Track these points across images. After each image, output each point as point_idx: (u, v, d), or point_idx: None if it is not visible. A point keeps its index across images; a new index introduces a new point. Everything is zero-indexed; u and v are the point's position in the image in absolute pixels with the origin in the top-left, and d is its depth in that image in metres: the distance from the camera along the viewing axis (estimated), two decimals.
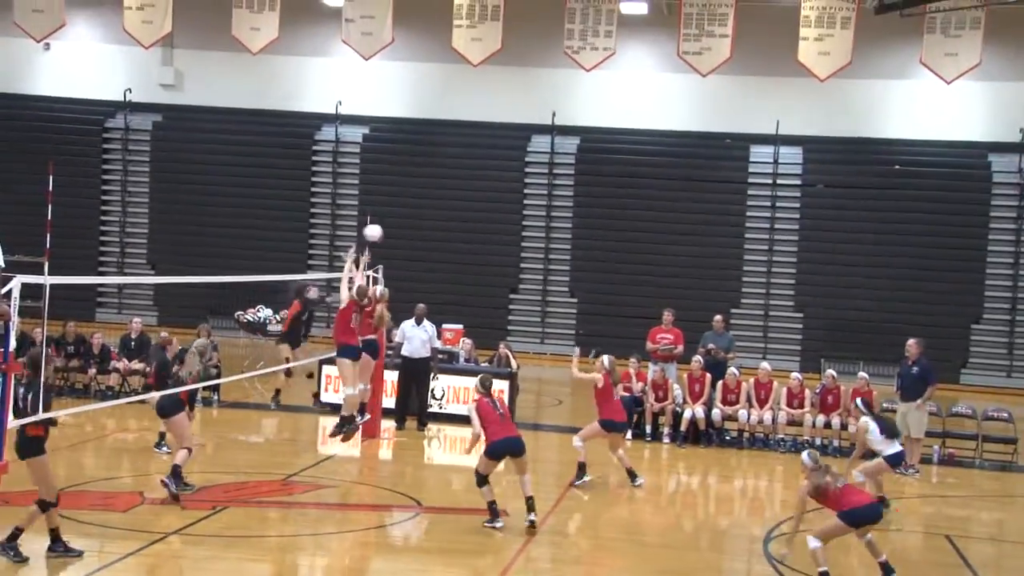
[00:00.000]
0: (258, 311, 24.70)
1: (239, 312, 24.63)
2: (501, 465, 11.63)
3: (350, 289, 13.73)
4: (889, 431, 12.47)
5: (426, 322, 17.54)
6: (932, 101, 28.65)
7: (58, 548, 9.67)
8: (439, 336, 18.64)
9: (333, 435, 13.60)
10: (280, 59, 29.92)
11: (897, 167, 29.54)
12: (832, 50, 24.74)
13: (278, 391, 18.00)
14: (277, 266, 25.64)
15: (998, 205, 28.98)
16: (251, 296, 24.96)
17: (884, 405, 17.28)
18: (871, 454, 12.42)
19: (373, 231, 15.75)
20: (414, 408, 17.24)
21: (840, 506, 9.77)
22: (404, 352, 17.09)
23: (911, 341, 16.47)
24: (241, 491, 12.63)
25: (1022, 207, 28.76)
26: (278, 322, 24.44)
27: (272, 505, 12.33)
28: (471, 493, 12.51)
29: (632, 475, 13.84)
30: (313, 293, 19.07)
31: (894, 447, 12.35)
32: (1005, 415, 17.98)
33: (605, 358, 14.08)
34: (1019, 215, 28.75)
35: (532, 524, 11.18)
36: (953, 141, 29.38)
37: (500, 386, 17.85)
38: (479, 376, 12.23)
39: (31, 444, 9.48)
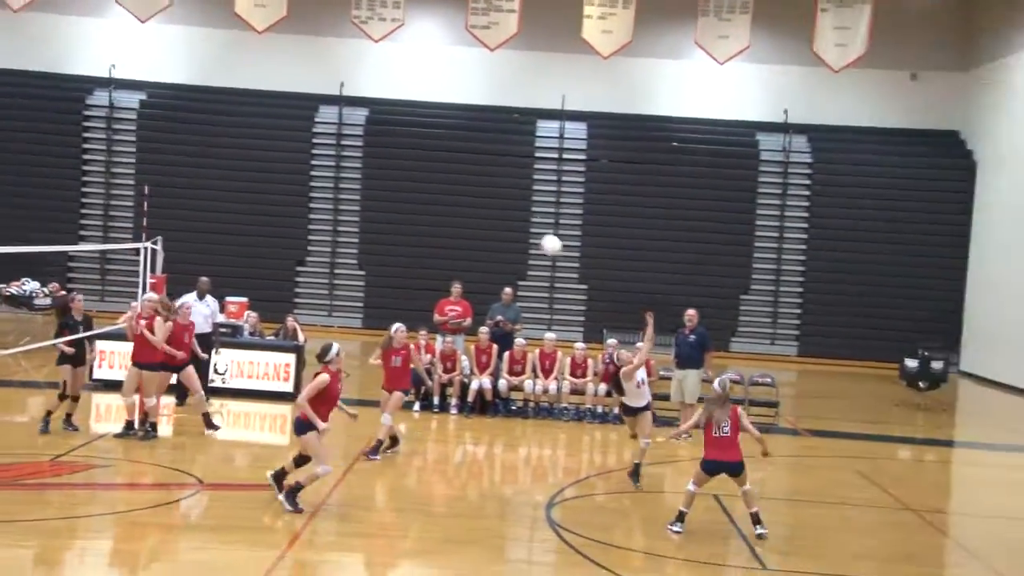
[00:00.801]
0: (23, 284, 23.58)
1: (2, 285, 23.43)
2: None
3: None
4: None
5: (208, 297, 17.12)
6: (706, 81, 30.01)
7: None
8: (222, 310, 18.18)
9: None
10: (49, 17, 28.65)
11: (674, 144, 30.64)
12: (615, 28, 25.44)
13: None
14: (45, 237, 24.36)
15: (765, 182, 30.50)
16: (15, 268, 23.75)
17: (660, 372, 17.97)
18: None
19: (552, 244, 16.83)
20: None
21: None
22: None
23: (690, 311, 17.04)
24: (4, 473, 11.90)
25: (786, 184, 30.42)
26: (46, 295, 23.40)
27: (37, 488, 11.69)
28: (253, 469, 12.31)
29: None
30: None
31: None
32: (768, 380, 19.13)
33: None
34: (784, 192, 30.37)
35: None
36: (725, 120, 30.82)
37: (287, 359, 17.77)
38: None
39: None
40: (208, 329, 16.87)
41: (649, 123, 30.80)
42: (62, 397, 13.86)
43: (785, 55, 29.59)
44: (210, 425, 14.58)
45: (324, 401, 11.07)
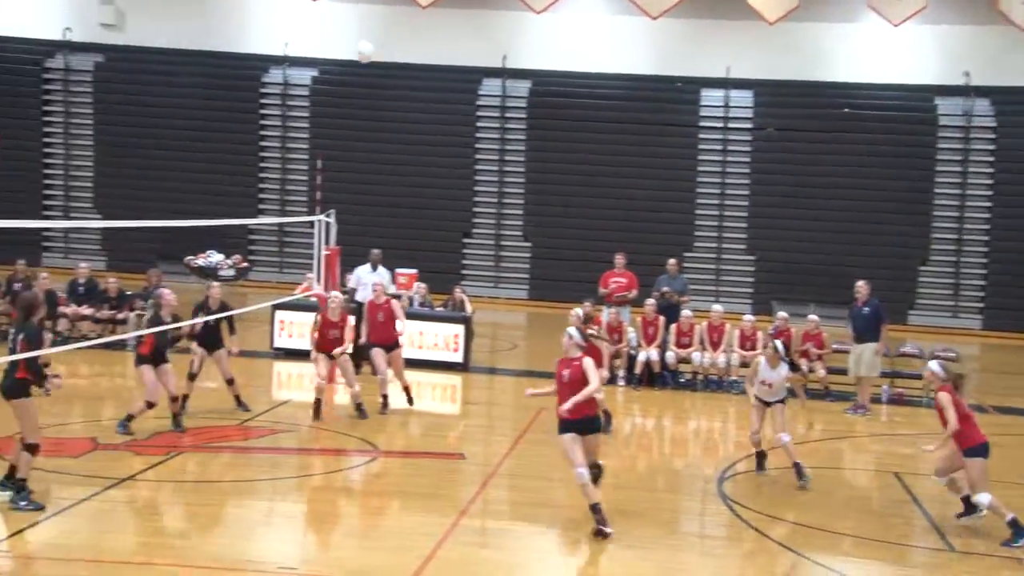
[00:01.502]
0: (208, 256, 24.58)
1: (189, 257, 24.51)
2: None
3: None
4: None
5: (381, 268, 17.37)
6: (880, 44, 28.89)
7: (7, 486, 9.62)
8: (393, 281, 18.54)
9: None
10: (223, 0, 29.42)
11: (846, 110, 29.66)
12: None
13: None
14: (226, 211, 25.31)
15: (944, 148, 29.25)
16: (201, 241, 24.79)
17: (834, 346, 17.54)
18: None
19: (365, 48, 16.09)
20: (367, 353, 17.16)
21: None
22: (358, 298, 16.88)
23: (860, 283, 16.62)
24: (197, 436, 12.56)
25: (967, 150, 29.12)
26: (229, 267, 24.37)
27: (228, 450, 12.30)
28: (427, 438, 12.59)
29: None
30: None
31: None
32: (952, 354, 18.33)
33: None
34: (964, 158, 29.10)
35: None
36: (900, 84, 29.53)
37: (456, 330, 18.03)
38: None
39: (17, 386, 9.43)
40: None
41: (818, 89, 29.84)
42: (191, 377, 13.52)
43: (965, 15, 28.19)
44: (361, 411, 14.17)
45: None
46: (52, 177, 31.19)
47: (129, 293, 18.96)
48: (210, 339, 13.71)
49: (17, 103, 29.76)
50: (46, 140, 31.21)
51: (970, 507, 10.18)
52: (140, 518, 9.79)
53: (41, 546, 8.99)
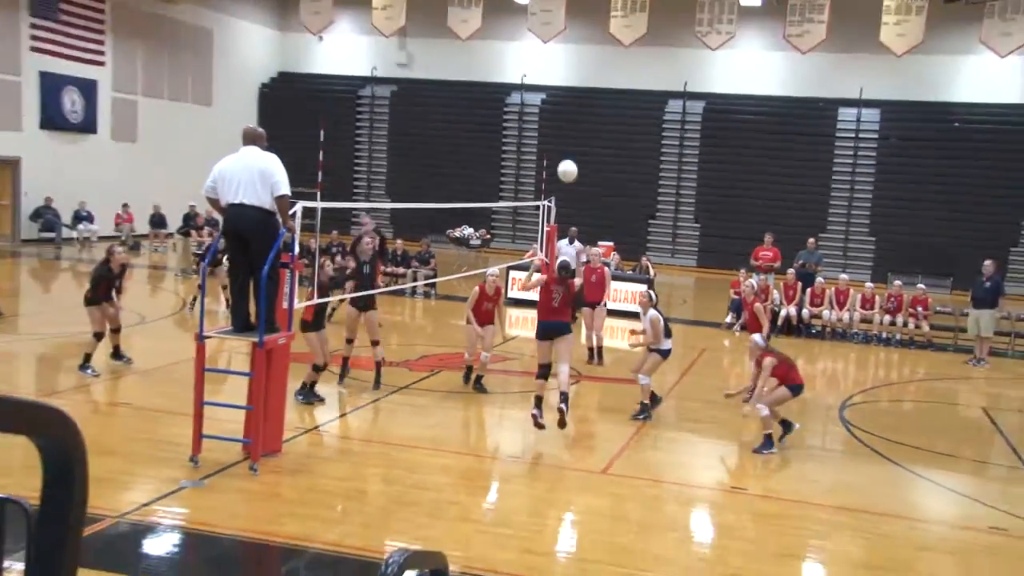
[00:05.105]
0: (463, 229, 25.28)
1: (449, 230, 25.29)
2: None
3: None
4: (667, 331, 10.47)
5: (576, 242, 17.01)
6: (987, 72, 26.75)
7: (303, 394, 9.87)
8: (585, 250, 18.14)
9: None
10: (481, 43, 29.97)
11: (956, 124, 27.64)
12: (908, 32, 23.35)
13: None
14: (476, 195, 26.15)
15: None
16: (457, 219, 25.57)
17: (937, 309, 16.54)
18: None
19: (567, 169, 15.18)
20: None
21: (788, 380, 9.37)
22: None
23: (988, 262, 15.72)
24: (453, 360, 12.78)
25: None
26: (477, 238, 25.00)
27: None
28: (616, 367, 12.61)
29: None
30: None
31: (668, 344, 10.43)
32: None
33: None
34: None
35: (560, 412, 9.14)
36: (1001, 104, 27.32)
37: (641, 289, 17.86)
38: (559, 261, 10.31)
39: (304, 323, 9.76)
40: (575, 266, 16.94)
41: (933, 107, 27.89)
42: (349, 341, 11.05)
43: None
44: None
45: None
46: (358, 171, 32.75)
47: (410, 255, 19.76)
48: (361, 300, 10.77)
49: (340, 120, 31.28)
50: (356, 145, 32.78)
51: None
52: (412, 415, 10.05)
53: (349, 431, 9.63)
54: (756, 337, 10.10)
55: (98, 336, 10.82)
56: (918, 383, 14.06)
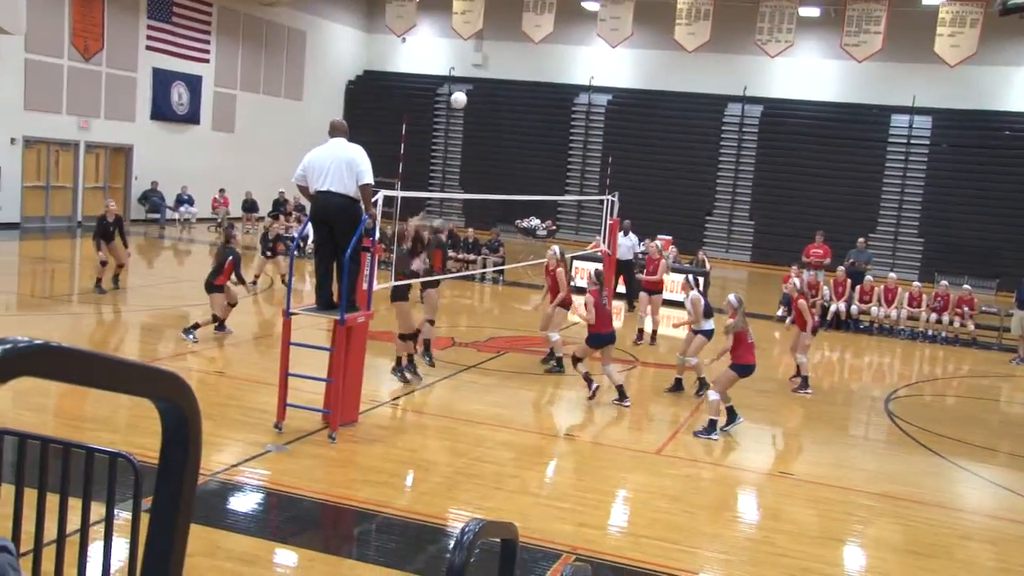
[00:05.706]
0: (530, 220, 25.29)
1: (517, 220, 25.32)
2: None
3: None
4: (708, 311, 10.73)
5: (631, 234, 16.76)
6: None
7: (400, 370, 9.92)
8: (640, 243, 17.75)
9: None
10: (553, 47, 29.77)
11: (1007, 133, 26.49)
12: (962, 44, 22.47)
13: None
14: (543, 189, 25.94)
15: None
16: (525, 210, 25.53)
17: (982, 309, 15.90)
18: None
19: (458, 97, 14.40)
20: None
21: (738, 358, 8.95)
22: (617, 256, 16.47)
23: None
24: (518, 342, 12.94)
25: None
26: (543, 228, 24.95)
27: (535, 352, 12.59)
28: (671, 354, 12.44)
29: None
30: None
31: (709, 324, 10.72)
32: None
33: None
34: None
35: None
36: None
37: (698, 280, 17.55)
38: (593, 270, 10.37)
39: (394, 292, 9.74)
40: (630, 257, 16.69)
41: (983, 116, 26.75)
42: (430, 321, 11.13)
43: None
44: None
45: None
46: (434, 163, 32.70)
47: (481, 243, 19.81)
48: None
49: (419, 117, 31.41)
50: (433, 139, 32.66)
51: None
52: (478, 393, 10.08)
53: (421, 405, 9.70)
54: (731, 297, 9.57)
55: (215, 319, 11.25)
56: (961, 379, 13.57)
